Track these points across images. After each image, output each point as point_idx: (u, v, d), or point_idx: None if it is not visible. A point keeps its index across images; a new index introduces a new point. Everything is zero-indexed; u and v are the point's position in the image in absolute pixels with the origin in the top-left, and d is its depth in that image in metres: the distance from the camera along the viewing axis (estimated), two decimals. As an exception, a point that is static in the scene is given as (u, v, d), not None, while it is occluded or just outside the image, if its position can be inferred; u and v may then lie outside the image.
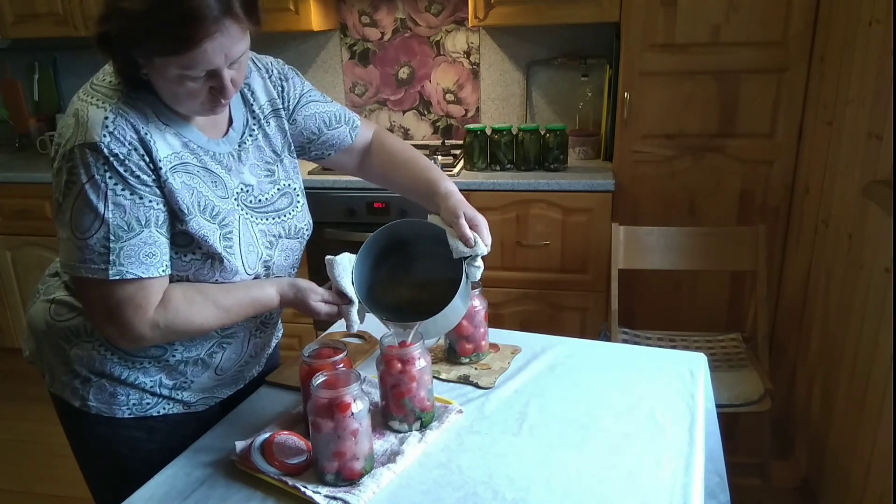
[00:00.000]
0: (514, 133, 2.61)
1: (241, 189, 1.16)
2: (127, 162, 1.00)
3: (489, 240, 1.19)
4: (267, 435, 1.10)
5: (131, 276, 1.01)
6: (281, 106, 1.24)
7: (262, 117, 1.21)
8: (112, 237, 1.00)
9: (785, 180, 2.35)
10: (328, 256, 1.16)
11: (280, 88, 1.24)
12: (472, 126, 2.64)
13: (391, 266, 1.26)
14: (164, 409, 1.21)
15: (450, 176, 2.52)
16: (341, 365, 1.11)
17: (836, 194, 1.99)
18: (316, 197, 2.44)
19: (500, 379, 1.33)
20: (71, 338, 1.15)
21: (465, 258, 1.18)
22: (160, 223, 1.04)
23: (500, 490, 1.02)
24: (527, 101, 2.95)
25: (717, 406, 1.42)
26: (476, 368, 1.37)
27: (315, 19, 2.69)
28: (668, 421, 1.18)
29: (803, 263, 2.24)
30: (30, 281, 3.00)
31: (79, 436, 1.23)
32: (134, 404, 1.18)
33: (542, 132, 2.58)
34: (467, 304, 1.25)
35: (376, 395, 1.21)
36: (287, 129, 1.25)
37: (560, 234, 2.48)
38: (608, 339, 2.28)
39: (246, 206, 1.16)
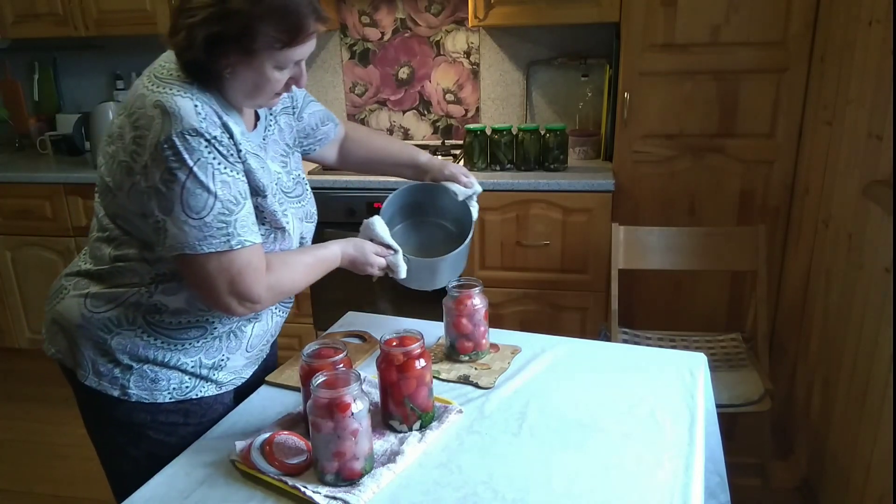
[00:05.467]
0: (514, 133, 2.61)
1: (276, 174, 1.26)
2: (223, 142, 1.09)
3: (476, 179, 1.50)
4: (267, 435, 1.10)
5: (249, 244, 1.11)
6: (290, 104, 1.37)
7: (276, 113, 1.32)
8: (226, 211, 1.08)
9: (785, 180, 2.35)
10: (366, 220, 1.37)
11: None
12: (472, 126, 2.64)
13: (396, 233, 1.51)
14: (201, 391, 1.26)
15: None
16: (341, 365, 1.11)
17: (836, 194, 1.99)
18: (316, 197, 2.41)
19: (500, 379, 1.33)
20: (111, 327, 1.19)
21: (468, 198, 1.47)
22: (249, 196, 1.14)
23: (500, 490, 1.02)
24: (527, 101, 2.95)
25: (717, 406, 1.43)
26: (476, 368, 1.37)
27: (315, 19, 2.69)
28: (668, 421, 1.18)
29: (803, 263, 2.24)
30: (30, 281, 3.00)
31: (114, 425, 1.25)
32: (174, 388, 1.23)
33: (542, 132, 2.58)
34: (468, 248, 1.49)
35: (376, 395, 1.22)
36: (294, 125, 1.38)
37: (560, 234, 2.48)
38: (608, 339, 2.28)
39: (280, 190, 1.27)
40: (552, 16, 2.46)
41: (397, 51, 3.00)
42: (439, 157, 1.54)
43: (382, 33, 2.99)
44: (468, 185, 1.48)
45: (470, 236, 1.45)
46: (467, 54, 2.94)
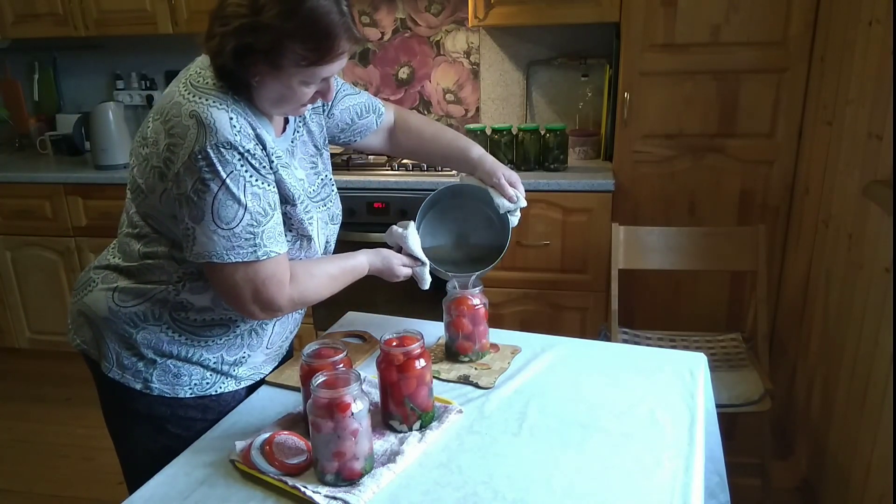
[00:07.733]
0: (514, 133, 2.61)
1: (300, 181, 1.26)
2: (256, 155, 1.11)
3: (524, 193, 1.46)
4: (267, 435, 1.10)
5: (274, 254, 1.14)
6: (320, 104, 1.36)
7: (306, 115, 1.32)
8: (254, 223, 1.11)
9: (785, 180, 2.35)
10: (395, 227, 1.38)
11: None
12: (472, 126, 2.64)
13: (427, 223, 1.51)
14: (221, 387, 1.29)
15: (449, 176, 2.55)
16: (341, 365, 1.11)
17: (836, 194, 1.99)
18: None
19: (500, 379, 1.33)
20: (137, 322, 1.22)
21: (508, 211, 1.44)
22: (278, 206, 1.16)
23: (500, 490, 1.02)
24: (527, 101, 2.95)
25: (717, 406, 1.43)
26: (476, 368, 1.37)
27: (315, 19, 2.68)
28: (668, 421, 1.18)
29: (803, 263, 2.24)
30: (30, 281, 3.00)
31: (134, 417, 1.27)
32: (195, 384, 1.26)
33: (542, 132, 2.58)
34: None
35: (376, 395, 1.22)
36: (324, 124, 1.38)
37: (560, 234, 2.48)
38: (608, 339, 2.28)
39: (307, 196, 1.27)
40: (552, 16, 2.46)
41: (397, 51, 3.00)
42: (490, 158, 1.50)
43: (382, 33, 2.99)
44: (512, 199, 1.44)
45: (502, 254, 1.44)
46: (467, 54, 2.94)
